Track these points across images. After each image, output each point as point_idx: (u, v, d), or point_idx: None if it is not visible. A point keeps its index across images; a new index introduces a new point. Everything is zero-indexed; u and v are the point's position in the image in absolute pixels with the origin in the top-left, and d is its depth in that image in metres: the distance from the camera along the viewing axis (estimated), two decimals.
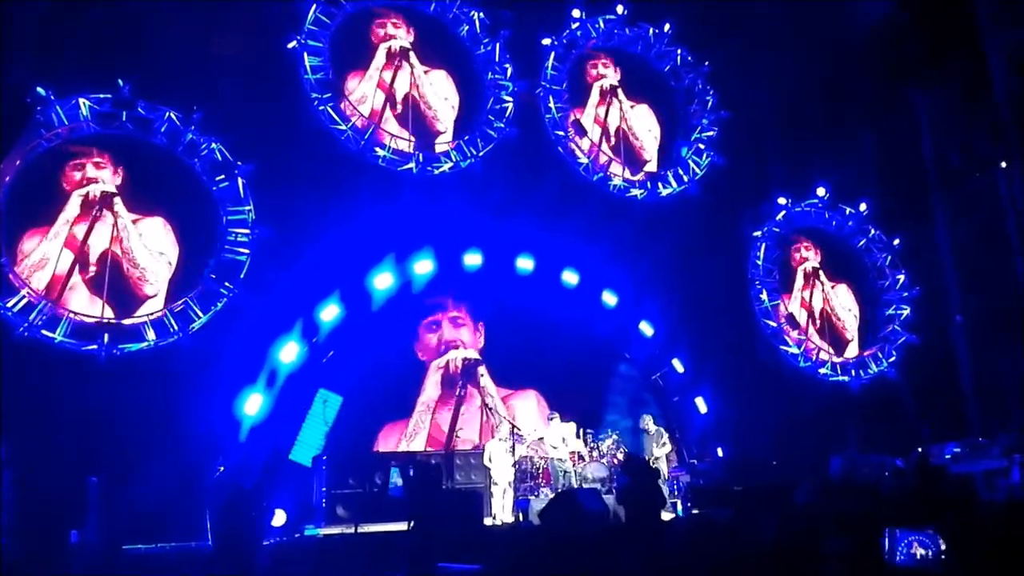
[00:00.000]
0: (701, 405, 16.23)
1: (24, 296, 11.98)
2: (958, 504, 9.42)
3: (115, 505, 10.10)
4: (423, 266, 14.67)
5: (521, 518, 12.71)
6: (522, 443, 13.46)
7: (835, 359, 18.66)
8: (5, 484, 9.71)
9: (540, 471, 13.78)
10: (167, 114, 13.46)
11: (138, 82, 13.15)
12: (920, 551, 5.98)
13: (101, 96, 13.06)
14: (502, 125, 16.53)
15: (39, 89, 12.53)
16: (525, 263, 15.61)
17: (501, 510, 12.88)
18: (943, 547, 5.97)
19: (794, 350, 18.18)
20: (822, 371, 18.31)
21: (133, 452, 11.13)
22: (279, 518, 11.83)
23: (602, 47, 18.86)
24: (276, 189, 13.85)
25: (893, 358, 19.04)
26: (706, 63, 19.11)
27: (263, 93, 14.28)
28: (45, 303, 12.09)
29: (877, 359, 18.99)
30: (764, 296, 18.21)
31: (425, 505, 10.60)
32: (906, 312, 19.48)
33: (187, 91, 13.54)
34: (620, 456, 13.83)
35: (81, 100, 12.91)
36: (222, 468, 12.33)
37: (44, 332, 11.99)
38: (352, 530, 11.25)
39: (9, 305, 11.83)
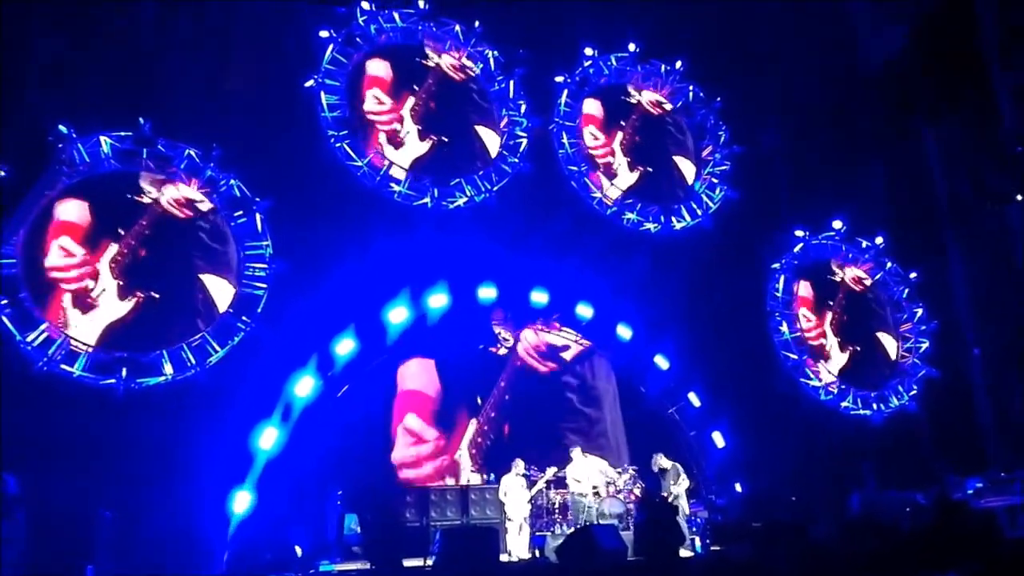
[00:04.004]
0: (719, 439, 16.06)
1: (44, 330, 12.09)
2: (981, 542, 9.25)
3: (130, 539, 10.09)
4: (438, 300, 14.72)
5: (537, 555, 12.58)
6: (538, 478, 13.36)
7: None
8: (20, 519, 9.71)
9: (557, 507, 13.66)
10: (187, 151, 13.71)
11: (158, 120, 13.44)
12: None
13: (122, 134, 13.34)
14: (516, 160, 16.71)
15: (61, 127, 12.80)
16: (539, 297, 15.63)
17: (516, 546, 12.73)
18: None
19: (815, 383, 18.01)
20: (844, 404, 18.10)
21: (149, 486, 11.13)
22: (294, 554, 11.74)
23: (614, 84, 19.05)
24: (293, 224, 14.03)
25: (914, 391, 18.82)
26: (718, 99, 19.27)
27: (281, 130, 14.51)
28: (65, 337, 12.20)
29: (898, 392, 18.78)
30: (784, 328, 18.11)
31: (384, 543, 10.66)
32: (925, 345, 19.31)
33: (206, 129, 13.81)
34: (637, 492, 13.69)
35: (102, 138, 13.19)
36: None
37: (63, 366, 12.09)
38: (367, 566, 11.16)
39: (29, 339, 11.95)
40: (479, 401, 15.39)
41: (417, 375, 15.16)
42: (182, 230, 13.75)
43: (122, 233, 13.20)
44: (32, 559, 9.70)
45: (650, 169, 18.65)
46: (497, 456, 14.20)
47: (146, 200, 13.56)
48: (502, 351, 15.98)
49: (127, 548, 10.13)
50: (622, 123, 18.87)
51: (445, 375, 15.25)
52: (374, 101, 16.19)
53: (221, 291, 13.70)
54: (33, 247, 12.54)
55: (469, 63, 17.40)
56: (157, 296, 13.08)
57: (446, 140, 16.54)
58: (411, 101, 16.56)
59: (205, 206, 13.95)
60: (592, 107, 18.65)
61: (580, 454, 13.87)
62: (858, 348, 19.14)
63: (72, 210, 13.02)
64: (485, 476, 14.40)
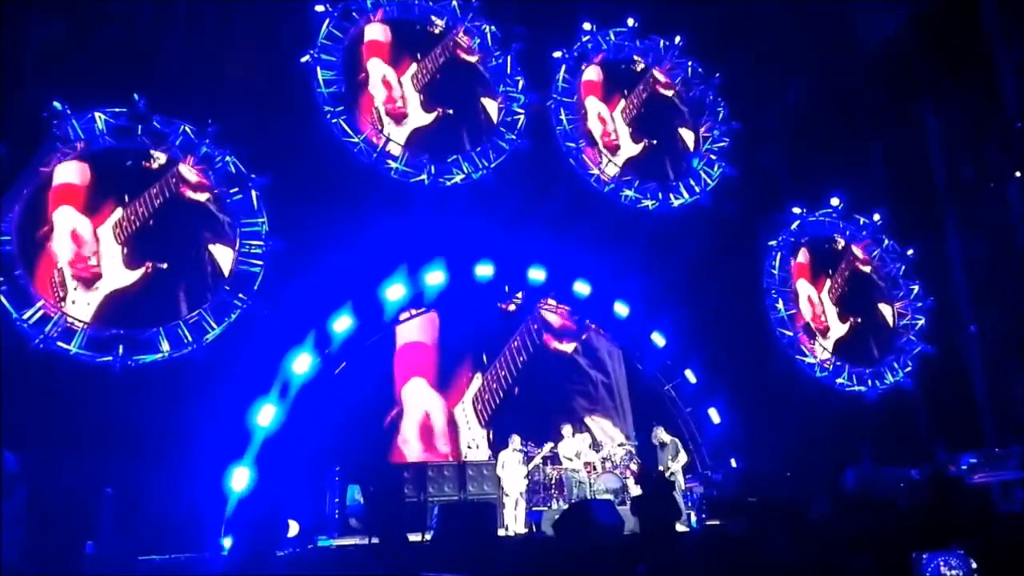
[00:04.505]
0: (714, 416, 16.15)
1: (40, 307, 12.06)
2: (976, 517, 9.33)
3: (130, 516, 10.12)
4: (435, 277, 14.70)
5: (534, 529, 12.68)
6: (535, 454, 13.43)
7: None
8: (18, 497, 9.73)
9: (553, 482, 13.75)
10: (182, 127, 13.62)
11: (153, 96, 13.32)
12: (950, 573, 5.87)
13: (117, 110, 13.24)
14: (514, 137, 16.62)
15: (55, 103, 12.70)
16: (537, 274, 15.61)
17: (514, 521, 12.83)
18: (974, 566, 5.87)
19: (811, 360, 18.07)
20: (839, 381, 18.19)
21: (147, 463, 11.15)
22: (291, 529, 11.82)
23: (612, 59, 18.90)
24: (289, 201, 13.96)
25: (909, 368, 18.92)
26: (716, 75, 19.15)
27: (277, 107, 14.39)
28: (61, 315, 12.18)
29: (893, 369, 18.87)
30: (780, 305, 18.14)
31: (386, 518, 10.75)
32: (921, 322, 19.38)
33: (202, 105, 13.68)
34: (634, 467, 13.78)
35: (97, 114, 13.09)
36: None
37: (60, 344, 12.08)
38: (366, 541, 11.24)
39: (25, 317, 11.92)
40: (484, 359, 15.39)
41: (417, 327, 15.18)
42: (191, 201, 13.70)
43: (127, 199, 13.12)
44: (32, 536, 9.73)
45: (655, 141, 18.55)
46: (505, 416, 14.26)
47: (155, 166, 13.49)
48: (511, 307, 15.97)
49: (126, 525, 10.15)
50: (625, 91, 18.73)
51: (448, 326, 15.31)
52: (379, 83, 15.97)
53: (229, 262, 13.69)
54: (29, 224, 12.45)
55: (467, 38, 17.24)
56: (166, 266, 13.07)
57: (451, 112, 16.41)
58: (413, 67, 16.40)
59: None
60: (592, 73, 18.49)
61: (570, 431, 13.92)
62: (858, 319, 19.18)
63: (71, 171, 12.92)
64: (488, 434, 14.43)
